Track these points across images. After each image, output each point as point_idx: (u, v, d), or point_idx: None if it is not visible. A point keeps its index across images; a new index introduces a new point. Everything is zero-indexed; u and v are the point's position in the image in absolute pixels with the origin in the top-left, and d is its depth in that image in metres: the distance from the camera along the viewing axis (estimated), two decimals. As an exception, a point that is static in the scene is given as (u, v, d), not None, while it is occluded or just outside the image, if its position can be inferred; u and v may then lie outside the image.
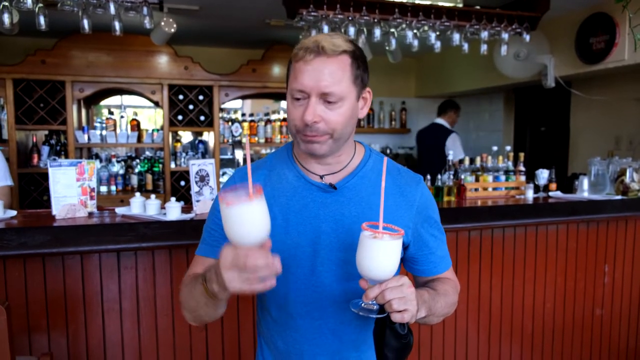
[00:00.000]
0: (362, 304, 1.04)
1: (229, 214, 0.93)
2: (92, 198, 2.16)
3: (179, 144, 5.04)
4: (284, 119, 5.22)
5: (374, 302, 1.01)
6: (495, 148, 3.13)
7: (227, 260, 0.93)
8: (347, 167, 1.22)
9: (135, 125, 4.79)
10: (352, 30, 3.28)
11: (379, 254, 0.99)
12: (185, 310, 1.19)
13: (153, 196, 2.17)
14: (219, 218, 1.20)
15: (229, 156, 5.36)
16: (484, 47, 3.66)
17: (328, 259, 1.16)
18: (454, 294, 1.26)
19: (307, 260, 1.16)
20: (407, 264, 1.29)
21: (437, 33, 3.52)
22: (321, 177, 1.21)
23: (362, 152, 1.27)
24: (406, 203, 1.21)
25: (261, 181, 1.22)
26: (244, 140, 4.81)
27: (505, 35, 3.58)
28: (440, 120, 4.85)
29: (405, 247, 1.24)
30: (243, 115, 5.37)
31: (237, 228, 0.93)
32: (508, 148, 3.24)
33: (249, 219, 0.93)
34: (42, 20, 2.77)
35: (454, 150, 3.99)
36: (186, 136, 5.60)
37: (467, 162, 3.04)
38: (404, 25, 3.40)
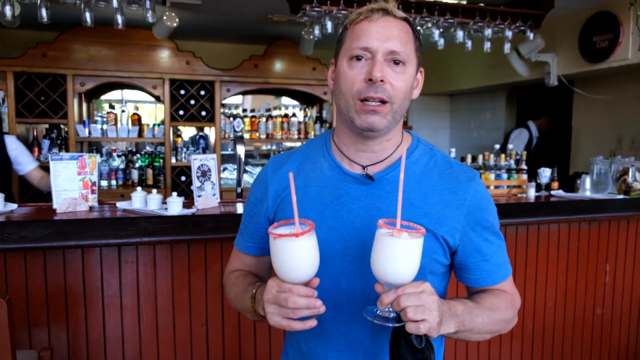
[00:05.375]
0: (378, 311, 0.95)
1: (275, 247, 0.92)
2: (93, 192, 2.15)
3: (179, 139, 5.03)
4: (285, 115, 5.21)
5: (391, 309, 0.92)
6: (497, 146, 3.12)
7: (270, 294, 0.93)
8: (390, 156, 1.10)
9: (136, 120, 4.78)
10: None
11: (396, 254, 0.89)
12: (230, 303, 1.22)
13: (154, 191, 2.16)
14: (251, 209, 1.19)
15: (229, 152, 5.35)
16: (487, 45, 3.65)
17: (359, 258, 1.05)
18: (507, 310, 1.11)
19: (336, 259, 1.06)
20: (458, 272, 1.15)
21: (441, 30, 3.50)
22: (364, 167, 1.09)
23: (409, 142, 1.14)
24: (456, 201, 1.08)
25: (293, 169, 1.11)
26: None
27: (509, 33, 3.57)
28: None
29: (453, 253, 1.10)
30: (244, 110, 5.36)
31: (282, 263, 0.92)
32: (510, 146, 3.23)
33: (294, 255, 0.91)
34: (44, 13, 2.76)
35: None
36: (187, 131, 5.59)
37: (469, 160, 3.03)
38: (407, 22, 3.38)
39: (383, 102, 1.01)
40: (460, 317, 0.98)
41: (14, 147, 2.98)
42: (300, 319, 0.92)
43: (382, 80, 0.99)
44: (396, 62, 1.02)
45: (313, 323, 0.92)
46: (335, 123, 1.16)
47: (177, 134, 5.10)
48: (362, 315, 1.02)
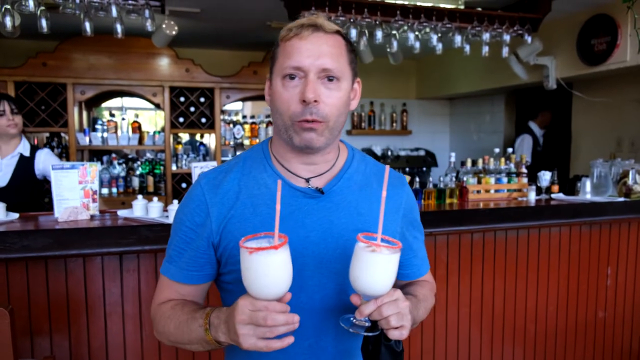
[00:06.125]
0: (354, 321, 0.98)
1: (250, 262, 0.87)
2: (94, 201, 2.16)
3: (180, 146, 5.04)
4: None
5: (366, 318, 0.96)
6: (497, 150, 3.12)
7: (244, 314, 0.88)
8: (332, 168, 1.11)
9: (137, 127, 4.79)
10: (353, 32, 3.28)
11: (377, 268, 0.91)
12: (163, 338, 1.10)
13: (155, 199, 2.17)
14: (187, 235, 1.08)
15: (230, 158, 5.35)
16: (485, 49, 3.66)
17: (318, 272, 1.06)
18: (432, 297, 1.21)
19: (295, 276, 1.00)
20: None
21: (439, 35, 3.51)
22: (307, 180, 1.09)
23: (345, 152, 1.16)
24: (394, 206, 1.13)
25: (234, 187, 1.07)
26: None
27: (507, 37, 3.58)
28: None
29: None
30: (244, 117, 5.37)
31: (259, 279, 0.87)
32: (510, 150, 3.23)
33: (272, 269, 0.87)
34: (43, 23, 2.77)
35: None
36: (186, 136, 5.60)
37: (469, 164, 3.03)
38: (405, 27, 3.40)
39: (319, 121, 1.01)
40: (412, 314, 1.02)
41: (42, 160, 2.83)
42: (277, 337, 0.89)
43: (315, 101, 0.99)
44: (330, 79, 1.01)
45: (291, 340, 0.90)
46: (273, 135, 1.13)
47: (178, 141, 5.11)
48: (325, 327, 1.08)
